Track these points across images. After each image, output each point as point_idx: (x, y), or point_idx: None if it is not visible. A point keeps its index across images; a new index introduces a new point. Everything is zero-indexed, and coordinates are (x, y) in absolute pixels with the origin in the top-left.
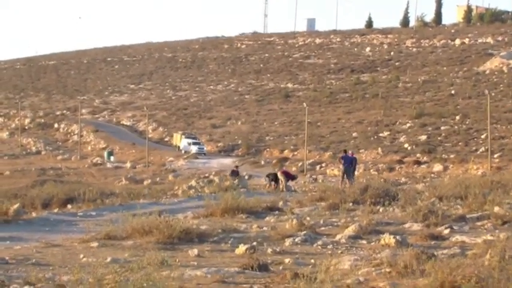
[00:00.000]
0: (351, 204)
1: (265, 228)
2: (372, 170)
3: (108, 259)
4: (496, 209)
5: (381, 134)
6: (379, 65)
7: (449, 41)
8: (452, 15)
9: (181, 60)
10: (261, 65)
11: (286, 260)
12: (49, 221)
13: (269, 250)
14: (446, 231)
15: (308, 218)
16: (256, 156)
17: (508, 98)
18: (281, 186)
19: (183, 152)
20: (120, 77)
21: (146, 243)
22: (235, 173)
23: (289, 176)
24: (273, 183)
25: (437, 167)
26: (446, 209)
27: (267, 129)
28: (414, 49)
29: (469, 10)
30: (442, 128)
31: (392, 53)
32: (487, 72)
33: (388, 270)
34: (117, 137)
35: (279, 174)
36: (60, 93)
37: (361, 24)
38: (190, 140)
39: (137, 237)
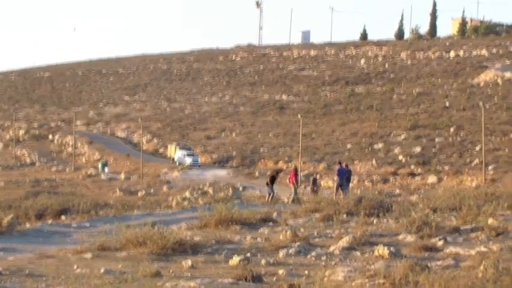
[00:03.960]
0: (345, 215)
1: (259, 240)
2: (366, 182)
3: (102, 270)
4: (490, 220)
5: (375, 146)
6: (374, 77)
7: (444, 53)
8: (446, 28)
9: (176, 72)
10: (256, 77)
11: (280, 271)
12: (43, 232)
13: (263, 261)
14: (440, 242)
15: (302, 229)
16: (251, 168)
17: (502, 110)
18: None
19: (177, 163)
20: (115, 88)
21: (140, 255)
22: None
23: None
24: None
25: (432, 179)
26: (440, 221)
27: (262, 141)
28: (409, 61)
29: (463, 23)
30: (437, 139)
31: (386, 65)
32: (482, 84)
33: (381, 281)
34: (112, 148)
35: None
36: (55, 104)
37: (355, 37)
38: (184, 152)
39: (131, 248)
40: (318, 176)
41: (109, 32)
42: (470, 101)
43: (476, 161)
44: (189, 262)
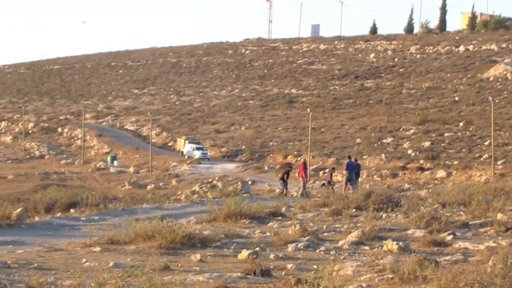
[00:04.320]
0: (354, 210)
1: (268, 234)
2: (375, 176)
3: (111, 264)
4: (499, 215)
5: (384, 140)
6: (383, 71)
7: (454, 48)
8: (456, 22)
9: (185, 65)
10: (265, 71)
11: (289, 266)
12: (52, 225)
13: (272, 255)
14: (449, 237)
15: (311, 224)
16: (260, 162)
17: (511, 105)
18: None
19: (186, 157)
20: (124, 81)
21: (149, 248)
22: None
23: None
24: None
25: (441, 174)
26: (449, 216)
27: (271, 135)
28: (418, 55)
29: (473, 17)
30: (446, 134)
31: (396, 60)
32: (491, 79)
33: (390, 276)
34: (121, 141)
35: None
36: (64, 97)
37: (365, 31)
38: (193, 145)
39: (140, 242)
40: (333, 171)
41: (118, 25)
42: (479, 95)
43: (486, 155)
44: (198, 256)
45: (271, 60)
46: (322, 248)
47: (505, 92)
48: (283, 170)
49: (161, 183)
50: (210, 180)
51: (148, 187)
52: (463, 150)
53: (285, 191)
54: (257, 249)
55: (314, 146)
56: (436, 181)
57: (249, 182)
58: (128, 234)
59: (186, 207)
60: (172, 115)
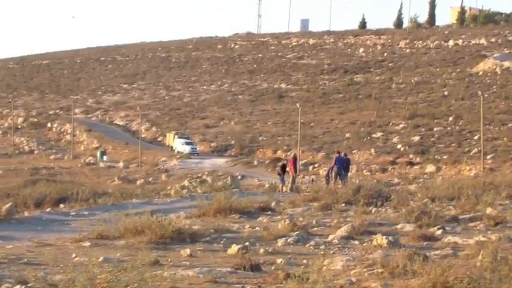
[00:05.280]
0: (343, 204)
1: (257, 229)
2: (364, 171)
3: (101, 259)
4: (489, 210)
5: (374, 135)
6: (373, 66)
7: (443, 42)
8: (445, 17)
9: (174, 60)
10: (255, 65)
11: (279, 260)
12: (41, 220)
13: (261, 250)
14: (439, 232)
15: (301, 219)
16: (249, 157)
17: (500, 100)
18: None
19: (176, 152)
20: (114, 76)
21: (138, 243)
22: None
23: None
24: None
25: (430, 168)
26: (438, 210)
27: (260, 130)
28: (407, 50)
29: (462, 11)
30: (435, 129)
31: (385, 54)
32: (480, 73)
33: (380, 270)
34: (110, 136)
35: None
36: (53, 92)
37: (354, 25)
38: (183, 140)
39: (130, 237)
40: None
41: (108, 19)
42: (469, 90)
43: (475, 150)
44: (188, 251)
45: (260, 55)
46: (312, 243)
47: (494, 87)
48: (280, 164)
49: (151, 178)
50: (199, 175)
51: (138, 182)
52: (453, 144)
53: (282, 185)
54: (247, 244)
55: (304, 141)
56: (425, 176)
57: (239, 177)
58: (117, 229)
59: (176, 202)
60: (161, 110)
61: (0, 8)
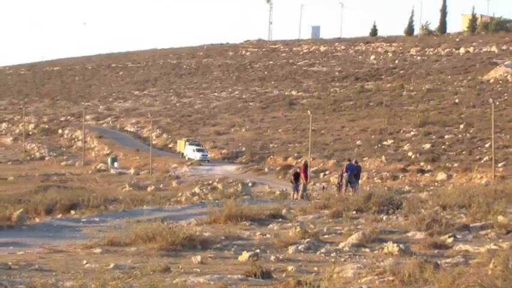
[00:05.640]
0: (354, 212)
1: (268, 236)
2: (375, 178)
3: (111, 265)
4: (500, 218)
5: (384, 142)
6: (384, 73)
7: (454, 50)
8: (457, 24)
9: (185, 66)
10: (266, 72)
11: (290, 268)
12: (52, 226)
13: (272, 257)
14: (450, 240)
15: (312, 226)
16: (260, 164)
17: None
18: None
19: (186, 158)
20: (125, 83)
21: (149, 250)
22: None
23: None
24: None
25: (441, 176)
26: (449, 218)
27: (271, 137)
28: (418, 57)
29: (473, 19)
30: (446, 136)
31: (396, 61)
32: (491, 81)
33: (391, 278)
34: (121, 143)
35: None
36: (65, 99)
37: (365, 33)
38: (194, 147)
39: (140, 243)
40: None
41: (119, 26)
42: (480, 97)
43: (486, 158)
44: (199, 258)
45: (271, 62)
46: (323, 250)
47: (505, 94)
48: (292, 172)
49: (161, 185)
50: (210, 182)
51: (149, 189)
52: (464, 152)
53: (294, 193)
54: (257, 251)
55: (314, 148)
56: (436, 183)
57: (249, 184)
58: (128, 235)
59: (187, 209)
60: (172, 117)
61: (11, 15)
